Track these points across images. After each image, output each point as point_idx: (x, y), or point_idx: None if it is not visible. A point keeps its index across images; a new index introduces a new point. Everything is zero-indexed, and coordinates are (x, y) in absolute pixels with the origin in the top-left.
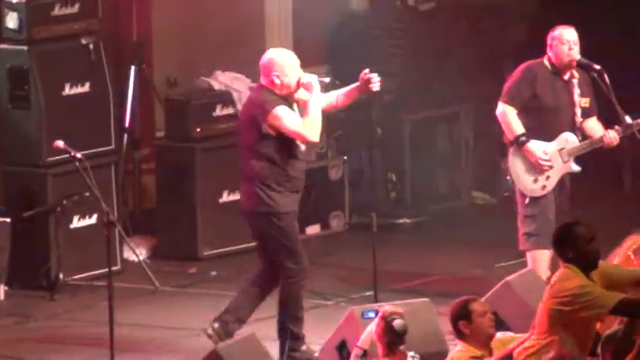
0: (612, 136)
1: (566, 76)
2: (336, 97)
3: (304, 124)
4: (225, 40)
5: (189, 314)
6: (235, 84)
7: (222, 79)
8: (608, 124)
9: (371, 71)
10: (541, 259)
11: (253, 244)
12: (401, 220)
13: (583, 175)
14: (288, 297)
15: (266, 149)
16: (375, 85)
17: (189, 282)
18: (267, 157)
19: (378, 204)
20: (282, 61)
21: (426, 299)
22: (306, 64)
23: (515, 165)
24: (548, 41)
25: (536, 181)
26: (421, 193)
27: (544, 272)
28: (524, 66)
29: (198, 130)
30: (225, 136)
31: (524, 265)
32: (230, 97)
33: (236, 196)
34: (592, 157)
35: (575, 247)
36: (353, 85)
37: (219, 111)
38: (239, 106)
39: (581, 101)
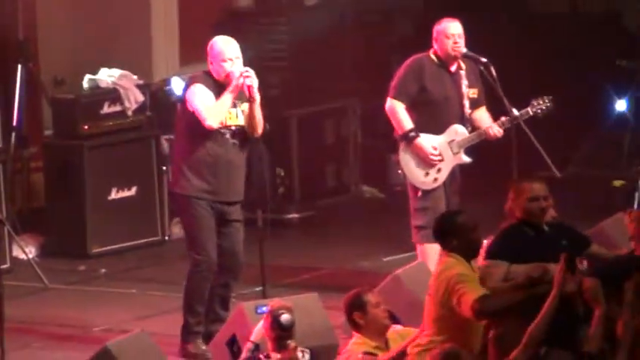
0: (496, 131)
1: (453, 68)
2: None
3: (208, 106)
4: (112, 37)
5: (79, 311)
6: (122, 81)
7: (109, 77)
8: (497, 115)
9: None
10: (431, 252)
11: (143, 240)
12: (290, 216)
13: (473, 166)
14: (188, 287)
15: (184, 125)
16: (250, 82)
17: (78, 279)
18: (184, 135)
19: (267, 200)
20: (217, 48)
21: (314, 293)
22: (192, 60)
23: (406, 159)
24: (434, 35)
25: (427, 174)
26: (310, 188)
27: (434, 265)
28: (410, 60)
29: (86, 127)
30: (113, 133)
31: (413, 258)
32: (117, 95)
33: (125, 193)
34: (482, 148)
35: (458, 235)
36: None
37: (106, 108)
38: (126, 103)
39: (469, 92)
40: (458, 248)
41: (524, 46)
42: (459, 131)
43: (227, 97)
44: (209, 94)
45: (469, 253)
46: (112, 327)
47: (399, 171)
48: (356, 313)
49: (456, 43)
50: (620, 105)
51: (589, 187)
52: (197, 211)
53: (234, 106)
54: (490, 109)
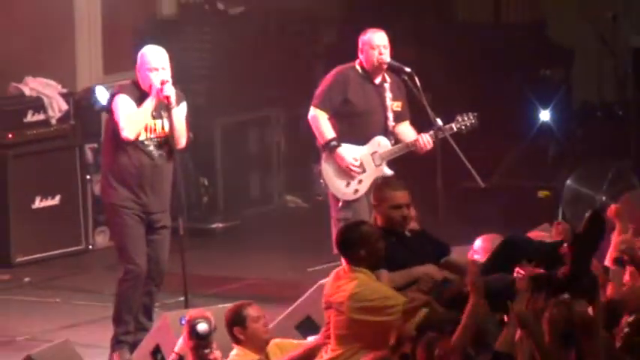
0: (426, 140)
1: (378, 80)
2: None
3: (127, 117)
4: (35, 45)
5: (3, 321)
6: (46, 89)
7: (33, 85)
8: (422, 125)
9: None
10: None
11: (66, 249)
12: (214, 225)
13: (398, 177)
14: (117, 295)
15: (110, 135)
16: (167, 93)
17: (2, 288)
18: (110, 144)
19: (191, 208)
20: (144, 57)
21: None
22: (116, 69)
23: (328, 169)
24: (359, 45)
25: (348, 185)
26: (233, 198)
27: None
28: (335, 70)
29: (10, 136)
30: (37, 142)
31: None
32: (41, 103)
33: (48, 202)
34: (406, 159)
35: (366, 245)
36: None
37: (30, 117)
38: (50, 112)
39: (392, 105)
40: (365, 259)
41: (448, 55)
42: (381, 143)
43: (145, 108)
44: (132, 105)
45: (375, 263)
46: (36, 336)
47: (321, 181)
48: (236, 328)
49: (381, 53)
50: (544, 115)
51: (514, 197)
52: (124, 220)
53: (160, 117)
54: (415, 119)
